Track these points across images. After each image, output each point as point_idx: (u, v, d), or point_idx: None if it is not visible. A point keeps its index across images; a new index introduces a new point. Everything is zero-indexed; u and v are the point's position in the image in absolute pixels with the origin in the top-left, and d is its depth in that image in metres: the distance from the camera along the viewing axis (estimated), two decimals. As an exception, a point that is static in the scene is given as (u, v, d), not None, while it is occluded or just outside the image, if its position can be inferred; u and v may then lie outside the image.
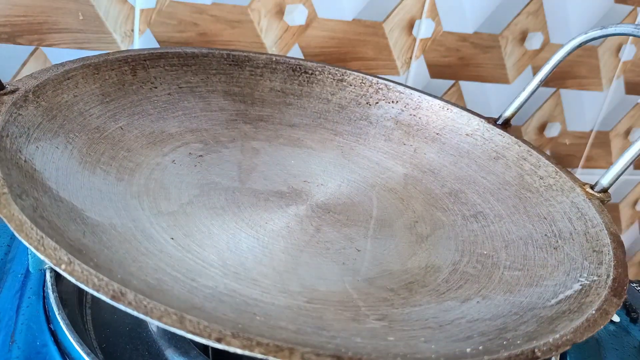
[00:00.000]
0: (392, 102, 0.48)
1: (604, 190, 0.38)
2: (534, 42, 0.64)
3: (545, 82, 0.46)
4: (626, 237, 0.85)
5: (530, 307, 0.30)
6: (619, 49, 0.68)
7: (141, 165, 0.37)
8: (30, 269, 0.33)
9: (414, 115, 0.48)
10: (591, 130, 0.73)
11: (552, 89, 0.68)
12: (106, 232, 0.30)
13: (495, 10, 0.60)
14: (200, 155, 0.41)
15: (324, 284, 0.31)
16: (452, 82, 0.63)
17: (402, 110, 0.48)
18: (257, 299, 0.28)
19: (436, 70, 0.62)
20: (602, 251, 0.33)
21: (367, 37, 0.58)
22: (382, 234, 0.37)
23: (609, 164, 0.76)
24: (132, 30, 0.51)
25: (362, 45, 0.58)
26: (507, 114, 0.46)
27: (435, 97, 0.48)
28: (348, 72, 0.49)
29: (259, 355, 0.21)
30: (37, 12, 0.48)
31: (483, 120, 0.46)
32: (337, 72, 0.49)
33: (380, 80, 0.49)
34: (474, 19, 0.60)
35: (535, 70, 0.65)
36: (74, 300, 0.33)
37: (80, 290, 0.34)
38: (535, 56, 0.65)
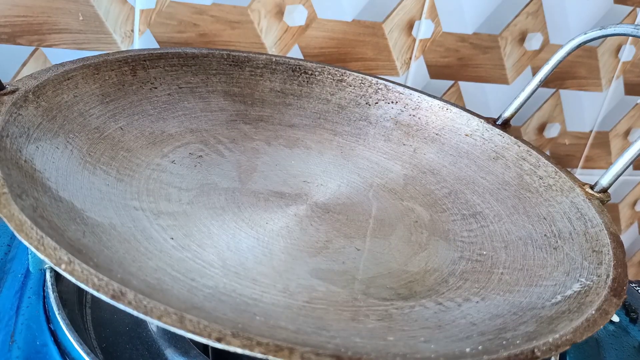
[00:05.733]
0: (392, 102, 0.48)
1: (604, 191, 0.38)
2: (534, 42, 0.64)
3: (544, 83, 0.46)
4: (626, 237, 0.85)
5: (529, 307, 0.30)
6: (618, 49, 0.68)
7: (141, 166, 0.37)
8: (30, 269, 0.33)
9: (414, 116, 0.48)
10: (591, 131, 0.73)
11: (552, 90, 0.68)
12: (106, 232, 0.30)
13: (495, 10, 0.61)
14: (200, 156, 0.41)
15: (324, 284, 0.31)
16: (451, 82, 0.63)
17: (402, 111, 0.48)
18: (257, 299, 0.28)
19: (436, 71, 0.62)
20: (601, 251, 0.33)
21: (367, 37, 0.58)
22: (382, 234, 0.37)
23: (608, 164, 0.76)
24: (132, 31, 0.51)
25: (362, 45, 0.58)
26: (507, 114, 0.46)
27: (434, 97, 0.48)
28: (347, 72, 0.49)
29: (259, 355, 0.21)
30: (37, 13, 0.48)
31: (482, 120, 0.46)
32: (336, 73, 0.49)
33: (380, 81, 0.49)
34: (473, 19, 0.60)
35: (535, 71, 0.66)
36: (74, 300, 0.33)
37: (80, 290, 0.34)
38: (534, 57, 0.65)
